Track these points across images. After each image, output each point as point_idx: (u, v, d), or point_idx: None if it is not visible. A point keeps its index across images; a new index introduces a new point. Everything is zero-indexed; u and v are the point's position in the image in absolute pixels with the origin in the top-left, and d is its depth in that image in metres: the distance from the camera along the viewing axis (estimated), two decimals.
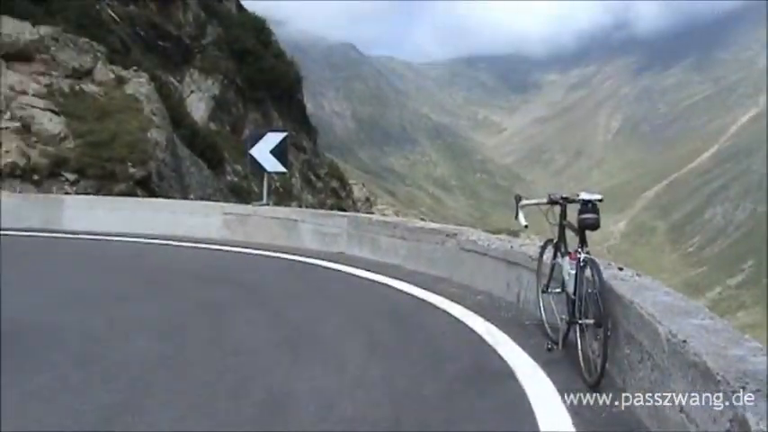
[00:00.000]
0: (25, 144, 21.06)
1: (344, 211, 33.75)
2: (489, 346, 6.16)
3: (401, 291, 8.68)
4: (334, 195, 46.62)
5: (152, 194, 21.68)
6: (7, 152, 20.55)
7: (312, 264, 11.00)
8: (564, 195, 5.98)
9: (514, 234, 20.23)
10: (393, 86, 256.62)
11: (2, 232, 14.49)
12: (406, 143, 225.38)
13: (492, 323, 6.88)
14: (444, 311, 7.51)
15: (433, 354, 6.02)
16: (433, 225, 11.79)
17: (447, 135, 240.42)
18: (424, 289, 8.61)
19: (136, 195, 20.79)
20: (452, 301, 7.91)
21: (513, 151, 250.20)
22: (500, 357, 5.81)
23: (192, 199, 23.87)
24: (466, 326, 6.87)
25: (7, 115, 21.69)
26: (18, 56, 24.00)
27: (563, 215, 6.02)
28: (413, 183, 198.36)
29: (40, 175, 20.61)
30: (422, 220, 34.06)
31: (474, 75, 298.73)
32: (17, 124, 21.50)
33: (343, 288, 9.22)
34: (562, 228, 6.00)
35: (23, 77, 23.26)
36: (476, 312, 7.34)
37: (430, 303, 7.92)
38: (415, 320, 7.25)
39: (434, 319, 7.23)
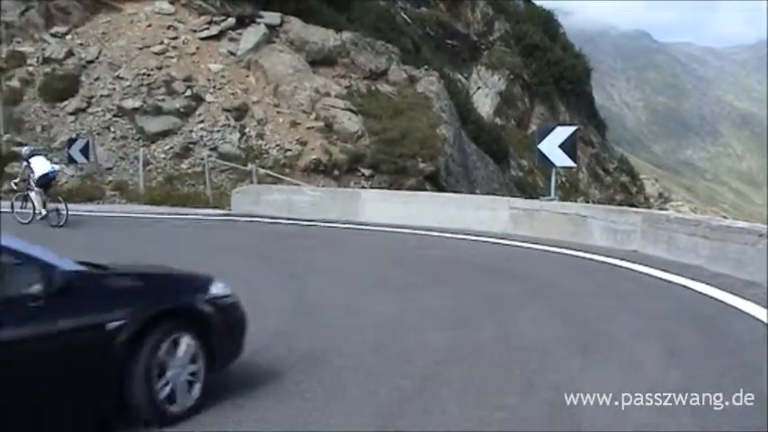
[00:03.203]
0: (327, 142, 22.87)
1: (635, 207, 32.01)
2: None
3: (703, 294, 7.89)
4: (624, 191, 44.51)
5: (440, 189, 22.31)
6: (312, 149, 22.48)
7: (602, 261, 10.47)
8: None
9: None
10: (692, 74, 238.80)
11: (308, 223, 15.83)
12: (705, 134, 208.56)
13: None
14: (756, 320, 6.66)
15: (743, 365, 5.34)
16: (740, 223, 10.57)
17: (755, 124, 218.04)
18: (731, 293, 7.72)
19: (425, 190, 21.52)
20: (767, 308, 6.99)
21: None
22: None
23: (478, 193, 24.18)
24: None
25: (313, 116, 23.71)
26: (323, 61, 26.15)
27: None
28: (713, 177, 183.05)
29: (339, 171, 22.28)
30: (723, 217, 31.12)
31: None
32: (321, 124, 23.44)
33: (635, 288, 8.62)
34: None
35: (327, 80, 25.28)
36: None
37: (738, 310, 7.08)
38: (721, 327, 6.51)
39: (744, 328, 6.43)
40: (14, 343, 3.83)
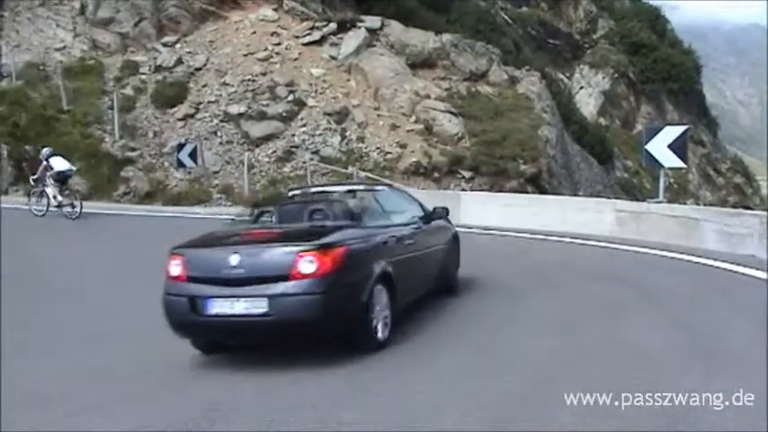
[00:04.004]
0: (427, 144, 22.85)
1: (749, 209, 30.48)
2: None
3: None
4: (738, 192, 42.47)
5: (542, 191, 21.92)
6: (412, 152, 22.52)
7: (715, 266, 9.97)
8: None
9: None
10: None
11: None
12: None
13: None
14: None
15: None
16: None
17: None
18: None
19: (526, 192, 21.18)
20: None
21: None
22: None
23: (581, 195, 23.61)
24: None
25: (413, 118, 23.75)
26: (423, 63, 26.15)
27: None
28: None
29: (439, 173, 22.21)
30: None
31: None
32: (421, 126, 23.44)
33: (752, 294, 8.16)
34: None
35: (427, 83, 25.25)
36: None
37: None
38: None
39: None
40: (420, 245, 7.62)
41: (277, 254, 6.02)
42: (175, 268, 6.14)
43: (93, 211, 17.79)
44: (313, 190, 9.02)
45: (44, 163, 17.55)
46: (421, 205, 8.32)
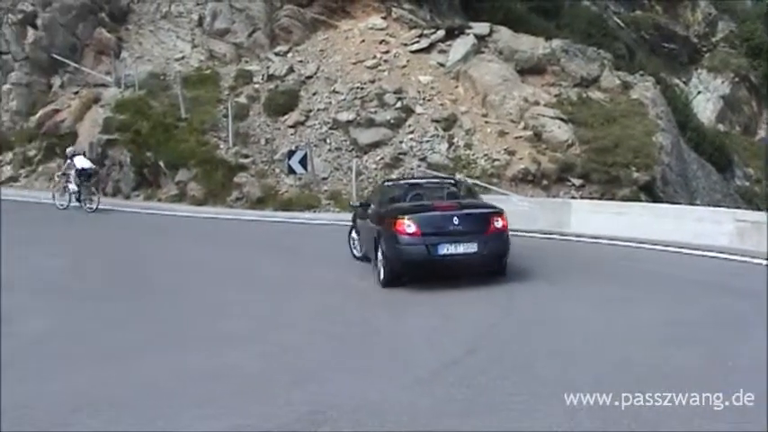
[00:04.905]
0: (536, 151, 22.51)
1: None
2: None
3: None
4: None
5: (656, 199, 21.22)
6: (521, 159, 22.24)
7: None
8: None
9: None
10: None
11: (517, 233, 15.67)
12: None
13: None
14: None
15: None
16: None
17: None
18: None
19: (639, 200, 20.54)
20: None
21: None
22: None
23: (698, 204, 22.69)
24: None
25: (521, 125, 23.46)
26: (532, 69, 25.83)
27: None
28: None
29: (548, 180, 21.84)
30: None
31: None
32: (530, 133, 23.13)
33: None
34: None
35: (536, 89, 24.90)
36: None
37: None
38: None
39: None
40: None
41: (478, 216, 10.12)
42: (410, 227, 9.63)
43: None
44: (403, 181, 13.60)
45: (68, 161, 19.56)
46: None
